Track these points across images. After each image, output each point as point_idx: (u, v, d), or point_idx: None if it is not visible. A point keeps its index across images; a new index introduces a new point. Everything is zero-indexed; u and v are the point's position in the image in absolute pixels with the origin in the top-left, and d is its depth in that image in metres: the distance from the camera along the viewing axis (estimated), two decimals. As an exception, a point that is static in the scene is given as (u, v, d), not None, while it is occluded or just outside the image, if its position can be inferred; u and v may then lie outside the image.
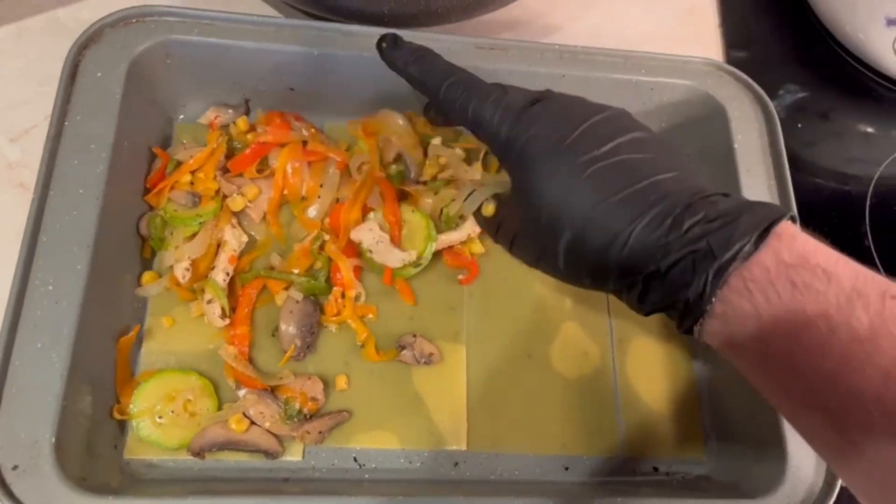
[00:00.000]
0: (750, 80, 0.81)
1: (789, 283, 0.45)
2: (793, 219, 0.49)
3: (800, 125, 0.95)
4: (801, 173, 0.92)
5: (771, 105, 0.79)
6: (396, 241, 0.74)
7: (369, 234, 0.73)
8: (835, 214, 0.92)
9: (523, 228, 0.61)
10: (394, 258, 0.73)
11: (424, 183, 0.78)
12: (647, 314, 0.53)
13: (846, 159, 0.96)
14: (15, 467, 0.55)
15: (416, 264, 0.74)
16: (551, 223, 0.54)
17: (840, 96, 1.00)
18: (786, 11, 1.05)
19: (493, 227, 0.68)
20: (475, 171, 0.75)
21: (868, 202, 0.92)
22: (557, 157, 0.54)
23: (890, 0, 0.93)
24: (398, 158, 0.79)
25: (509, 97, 0.58)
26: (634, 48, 0.80)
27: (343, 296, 0.72)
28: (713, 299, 0.47)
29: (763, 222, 0.47)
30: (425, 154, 0.79)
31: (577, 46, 0.79)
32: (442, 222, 0.76)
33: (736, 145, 0.77)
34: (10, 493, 0.54)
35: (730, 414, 0.74)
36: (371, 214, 0.75)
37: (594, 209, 0.51)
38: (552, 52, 0.78)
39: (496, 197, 0.70)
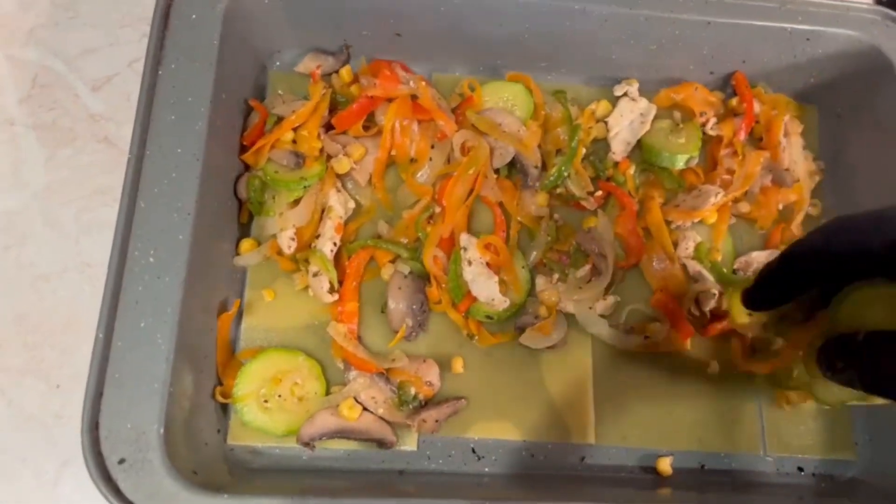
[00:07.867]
0: (924, 31, 0.70)
1: None
2: None
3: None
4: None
5: (948, 60, 0.68)
6: (495, 269, 0.65)
7: (471, 250, 0.64)
8: None
9: None
10: (487, 290, 0.63)
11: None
12: None
13: None
14: (121, 461, 0.50)
15: (492, 315, 0.64)
16: None
17: None
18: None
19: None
20: None
21: None
22: None
23: None
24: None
25: None
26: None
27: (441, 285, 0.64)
28: None
29: None
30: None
31: (725, -11, 0.68)
32: None
33: (906, 107, 0.67)
34: (116, 490, 0.49)
35: (887, 409, 0.66)
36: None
37: None
38: (696, -5, 0.68)
39: None
